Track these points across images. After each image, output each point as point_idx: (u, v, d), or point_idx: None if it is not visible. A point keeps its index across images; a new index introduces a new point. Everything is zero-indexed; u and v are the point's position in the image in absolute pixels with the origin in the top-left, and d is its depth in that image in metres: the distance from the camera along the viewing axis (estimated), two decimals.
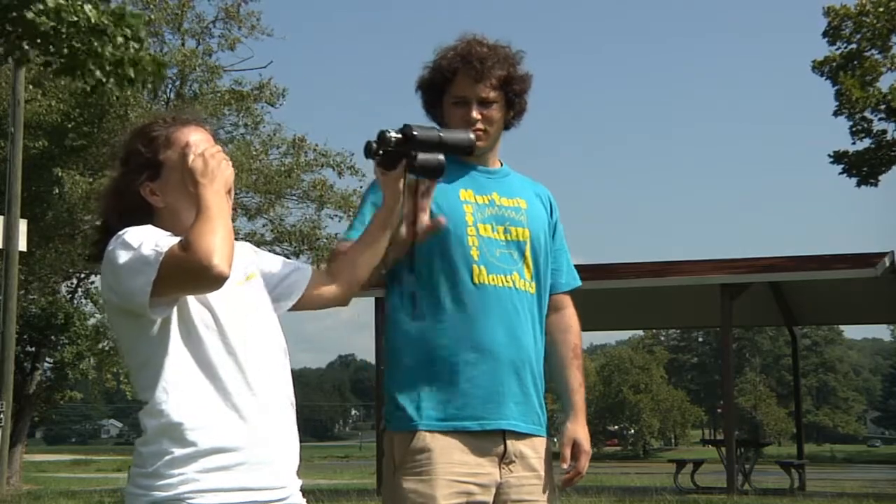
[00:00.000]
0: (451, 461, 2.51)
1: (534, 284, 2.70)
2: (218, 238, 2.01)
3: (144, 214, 2.22)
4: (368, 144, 2.35)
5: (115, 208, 2.26)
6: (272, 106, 24.43)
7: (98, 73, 9.21)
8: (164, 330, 2.12)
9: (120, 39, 9.09)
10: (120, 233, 2.14)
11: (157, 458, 2.07)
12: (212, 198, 2.10)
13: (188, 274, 2.00)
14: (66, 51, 9.05)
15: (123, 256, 2.07)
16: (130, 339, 2.16)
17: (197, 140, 2.22)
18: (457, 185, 2.69)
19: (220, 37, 24.35)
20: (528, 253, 2.71)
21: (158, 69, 9.68)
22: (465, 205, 2.66)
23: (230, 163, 2.23)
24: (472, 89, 2.68)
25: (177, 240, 2.06)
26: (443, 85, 2.70)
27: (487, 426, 2.56)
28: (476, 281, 2.60)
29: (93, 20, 8.84)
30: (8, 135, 16.16)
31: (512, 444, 2.60)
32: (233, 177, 2.22)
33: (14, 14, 8.73)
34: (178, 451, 2.06)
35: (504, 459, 2.59)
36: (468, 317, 2.58)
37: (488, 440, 2.57)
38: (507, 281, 2.64)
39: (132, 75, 9.31)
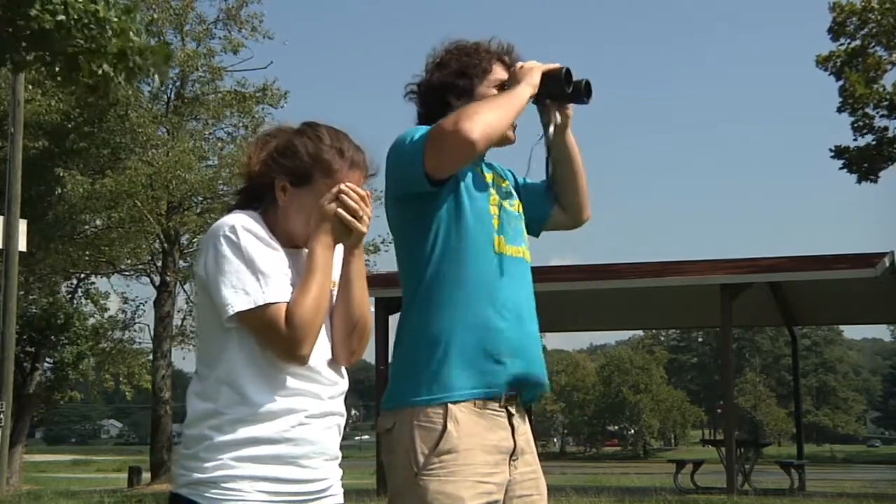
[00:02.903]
0: (474, 462, 2.52)
1: (529, 254, 2.76)
2: (316, 317, 2.14)
3: (263, 192, 2.28)
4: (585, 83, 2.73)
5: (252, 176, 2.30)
6: (273, 107, 24.45)
7: (105, 66, 9.12)
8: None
9: (128, 33, 8.98)
10: (237, 226, 2.17)
11: (197, 441, 2.15)
12: (320, 253, 2.19)
13: (277, 344, 2.14)
14: (67, 49, 8.96)
15: (232, 261, 2.14)
16: (204, 314, 2.24)
17: (349, 188, 2.23)
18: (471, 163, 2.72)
19: (223, 38, 24.37)
20: (523, 226, 2.79)
21: (165, 57, 9.58)
22: (485, 176, 2.73)
23: (369, 216, 2.25)
24: (504, 76, 2.77)
25: (283, 291, 2.15)
26: (481, 73, 2.74)
27: (525, 394, 2.65)
28: (497, 250, 2.64)
29: (101, 14, 8.76)
30: (8, 135, 16.13)
31: (518, 440, 2.62)
32: (364, 235, 2.26)
33: (19, 15, 8.63)
34: (218, 438, 2.13)
35: (512, 457, 2.61)
36: (494, 284, 2.60)
37: (503, 438, 2.58)
38: (519, 251, 2.70)
39: (139, 63, 9.23)
